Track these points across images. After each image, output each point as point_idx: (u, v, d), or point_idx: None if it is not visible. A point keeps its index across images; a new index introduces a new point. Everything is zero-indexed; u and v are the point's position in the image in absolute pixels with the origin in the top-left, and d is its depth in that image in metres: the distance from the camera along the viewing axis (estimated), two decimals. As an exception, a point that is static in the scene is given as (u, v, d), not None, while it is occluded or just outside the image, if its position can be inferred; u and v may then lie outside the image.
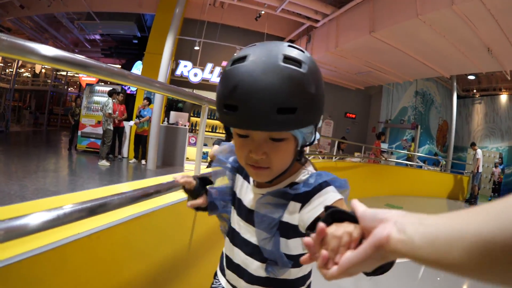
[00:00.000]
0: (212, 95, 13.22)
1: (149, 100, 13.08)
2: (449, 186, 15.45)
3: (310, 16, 13.93)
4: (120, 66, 25.09)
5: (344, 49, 13.49)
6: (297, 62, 1.06)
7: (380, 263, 0.69)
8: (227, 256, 1.52)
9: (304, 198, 1.18)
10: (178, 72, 16.02)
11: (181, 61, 16.28)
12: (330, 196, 1.14)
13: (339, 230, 0.76)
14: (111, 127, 11.99)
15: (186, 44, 16.23)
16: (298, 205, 1.20)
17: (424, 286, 5.28)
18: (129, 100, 14.45)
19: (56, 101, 32.53)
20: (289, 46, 1.12)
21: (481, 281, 0.55)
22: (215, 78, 16.42)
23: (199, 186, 1.52)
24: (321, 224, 0.76)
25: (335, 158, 11.63)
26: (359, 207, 0.77)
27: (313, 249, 0.77)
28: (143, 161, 13.26)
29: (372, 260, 0.68)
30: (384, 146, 17.91)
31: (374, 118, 21.50)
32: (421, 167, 17.07)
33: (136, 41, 23.34)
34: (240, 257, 1.41)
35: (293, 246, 1.27)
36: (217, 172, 1.59)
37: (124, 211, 1.84)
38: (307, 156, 1.45)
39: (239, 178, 1.49)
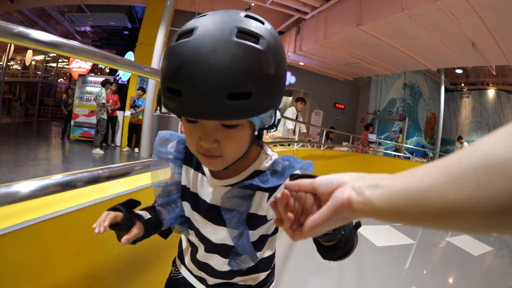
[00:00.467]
0: None
1: (143, 90, 13.45)
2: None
3: (299, 8, 14.28)
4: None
5: (333, 41, 13.87)
6: (253, 36, 0.94)
7: (342, 223, 0.77)
8: (190, 249, 1.47)
9: (272, 188, 1.15)
10: None
11: None
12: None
13: (301, 193, 0.81)
14: (104, 116, 12.38)
15: (173, 33, 16.21)
16: (266, 194, 1.17)
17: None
18: (121, 90, 14.90)
19: (46, 92, 33.11)
20: (246, 16, 0.99)
21: (436, 229, 0.63)
22: None
23: (127, 215, 1.24)
24: (285, 190, 0.80)
25: (323, 146, 11.84)
26: (320, 176, 0.82)
27: (278, 212, 0.83)
28: (136, 149, 13.71)
29: (334, 221, 0.76)
30: (373, 137, 18.26)
31: (363, 109, 21.98)
32: (408, 158, 17.33)
33: (127, 32, 23.69)
34: (200, 253, 1.38)
35: (257, 233, 1.24)
36: (156, 163, 1.39)
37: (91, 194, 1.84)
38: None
39: (188, 170, 1.36)
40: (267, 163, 1.22)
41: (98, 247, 1.81)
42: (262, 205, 1.17)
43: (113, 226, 1.17)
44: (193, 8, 16.41)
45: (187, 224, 1.36)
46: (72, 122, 15.50)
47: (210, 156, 1.06)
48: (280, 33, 17.86)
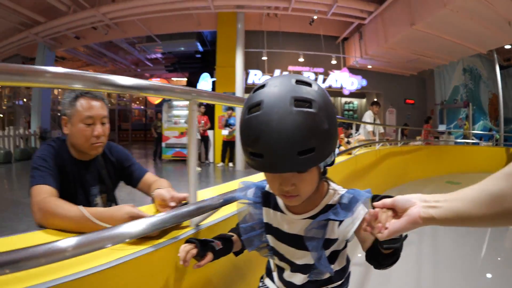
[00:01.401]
0: None
1: (232, 109, 14.85)
2: (502, 160, 15.13)
3: (357, 15, 15.71)
4: (186, 80, 28.24)
5: (392, 42, 15.29)
6: (307, 102, 1.23)
7: (413, 229, 1.16)
8: (275, 270, 1.80)
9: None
10: (249, 81, 17.77)
11: (250, 70, 18.25)
12: (360, 215, 1.47)
13: (384, 209, 1.23)
14: (198, 136, 13.57)
15: (252, 54, 18.05)
16: (336, 223, 1.50)
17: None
18: (208, 110, 16.30)
19: (122, 117, 35.32)
20: (297, 82, 1.28)
21: (490, 226, 1.08)
22: None
23: (201, 249, 1.62)
24: (373, 210, 1.23)
25: (400, 143, 13.14)
26: (395, 196, 1.23)
27: (370, 224, 1.23)
28: (230, 164, 15.19)
29: (409, 228, 1.17)
30: (442, 127, 19.49)
31: (431, 101, 22.66)
32: (478, 143, 17.55)
33: (199, 55, 24.74)
34: (286, 273, 1.70)
35: (329, 251, 1.58)
36: (241, 212, 1.77)
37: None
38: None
39: (269, 210, 1.69)
40: (335, 197, 1.53)
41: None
42: (334, 231, 1.50)
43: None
44: (261, 27, 18.02)
45: (272, 251, 1.70)
46: (163, 144, 17.08)
47: (290, 196, 1.39)
48: (345, 39, 19.67)
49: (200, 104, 14.14)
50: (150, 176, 2.84)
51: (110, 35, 20.10)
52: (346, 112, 23.23)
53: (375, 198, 1.28)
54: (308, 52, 18.30)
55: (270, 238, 1.70)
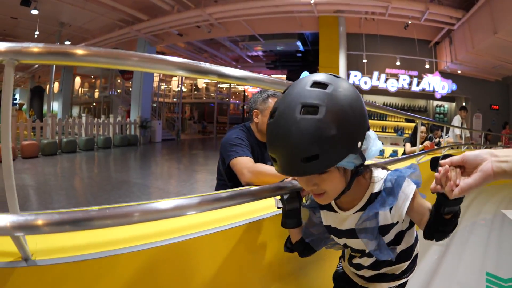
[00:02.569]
0: (382, 99, 21.30)
1: None
2: None
3: (447, 21, 17.95)
4: (285, 77, 30.33)
5: (478, 48, 17.07)
6: (314, 107, 1.32)
7: (485, 184, 1.23)
8: (347, 254, 2.09)
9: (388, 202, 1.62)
10: (350, 82, 19.76)
11: (351, 71, 20.13)
12: (407, 193, 1.59)
13: (452, 167, 1.28)
14: None
15: (352, 56, 20.26)
16: (387, 209, 1.62)
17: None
18: None
19: (218, 111, 37.91)
20: (313, 85, 1.40)
21: None
22: (382, 84, 20.56)
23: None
24: (444, 167, 1.28)
25: (483, 147, 14.52)
26: (464, 153, 1.28)
27: (439, 181, 1.29)
28: None
29: (482, 184, 1.23)
30: None
31: None
32: None
33: (299, 55, 26.95)
34: (356, 259, 1.97)
35: (393, 234, 1.74)
36: (306, 224, 2.02)
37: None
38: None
39: (324, 213, 1.89)
40: (379, 184, 1.67)
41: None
42: (387, 217, 1.65)
43: (289, 207, 1.94)
44: (360, 30, 20.49)
45: (336, 245, 2.02)
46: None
47: (317, 194, 1.56)
48: (436, 43, 21.59)
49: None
50: None
51: (213, 33, 22.54)
52: (437, 115, 24.04)
53: (443, 157, 1.34)
54: (404, 56, 20.54)
55: (334, 237, 1.93)
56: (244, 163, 3.19)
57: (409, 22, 18.78)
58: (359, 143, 1.46)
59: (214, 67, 1.96)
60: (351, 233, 1.74)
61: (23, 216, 1.28)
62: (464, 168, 1.29)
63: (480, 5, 15.24)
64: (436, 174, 1.30)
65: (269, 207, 2.32)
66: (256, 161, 3.43)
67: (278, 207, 2.03)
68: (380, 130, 21.94)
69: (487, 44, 16.38)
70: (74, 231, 1.39)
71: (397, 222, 1.69)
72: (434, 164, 1.36)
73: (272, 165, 2.87)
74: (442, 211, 1.42)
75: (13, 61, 1.35)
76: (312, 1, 16.99)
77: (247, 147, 3.46)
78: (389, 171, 1.72)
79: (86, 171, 14.27)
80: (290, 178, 2.06)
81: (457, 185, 1.26)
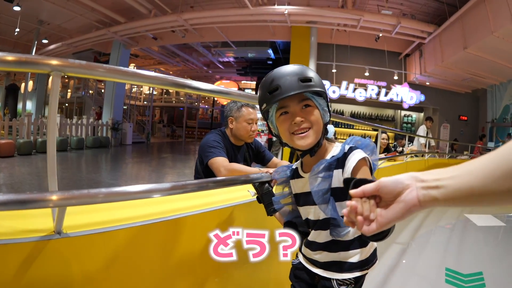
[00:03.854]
0: (350, 108, 22.35)
1: None
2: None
3: (418, 35, 18.44)
4: (255, 83, 31.68)
5: (448, 62, 17.65)
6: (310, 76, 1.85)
7: (409, 216, 1.06)
8: (303, 241, 2.18)
9: (342, 164, 1.84)
10: None
11: None
12: (356, 156, 1.78)
13: (364, 198, 1.13)
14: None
15: (321, 66, 20.67)
16: (340, 170, 1.83)
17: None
18: None
19: (187, 115, 38.26)
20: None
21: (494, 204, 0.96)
22: (350, 94, 21.10)
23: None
24: (351, 202, 1.12)
25: (447, 156, 15.47)
26: (380, 180, 1.12)
27: (350, 218, 1.13)
28: None
29: (405, 217, 1.06)
30: (491, 144, 21.37)
31: (483, 119, 24.23)
32: None
33: (270, 62, 27.45)
34: (311, 234, 2.08)
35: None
36: (281, 181, 2.26)
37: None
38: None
39: (294, 182, 2.18)
40: (337, 149, 1.97)
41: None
42: (340, 179, 1.83)
43: (264, 194, 2.38)
44: (331, 41, 21.06)
45: (301, 220, 2.17)
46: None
47: (303, 133, 1.84)
48: (406, 55, 22.25)
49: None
50: (275, 159, 4.59)
51: (187, 38, 22.78)
52: (404, 125, 25.00)
53: (354, 182, 1.21)
54: (373, 67, 21.23)
55: (299, 209, 2.17)
56: (220, 162, 3.69)
57: (380, 35, 19.23)
58: (327, 98, 1.93)
59: (188, 81, 2.36)
60: (308, 196, 1.95)
61: (63, 192, 1.60)
62: (381, 198, 1.12)
63: (453, 20, 15.93)
64: (344, 210, 1.16)
65: (240, 197, 2.91)
66: (230, 161, 3.93)
67: (254, 196, 2.50)
68: (347, 137, 22.08)
69: (457, 58, 17.01)
70: (96, 204, 1.83)
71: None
72: (347, 186, 1.23)
73: (247, 164, 4.23)
74: (365, 238, 1.47)
75: (60, 73, 1.70)
76: (286, 12, 17.31)
77: (223, 149, 3.95)
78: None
79: (62, 171, 14.15)
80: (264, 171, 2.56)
81: (371, 220, 1.10)
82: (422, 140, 13.23)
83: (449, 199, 0.98)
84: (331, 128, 2.45)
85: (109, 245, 1.96)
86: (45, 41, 25.46)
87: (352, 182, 1.21)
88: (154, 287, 2.22)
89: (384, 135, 9.35)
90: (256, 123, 4.20)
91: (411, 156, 10.86)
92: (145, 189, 1.93)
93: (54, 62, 1.67)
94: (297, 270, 2.24)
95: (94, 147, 22.14)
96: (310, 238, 2.09)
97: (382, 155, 8.62)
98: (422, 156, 12.37)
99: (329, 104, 1.96)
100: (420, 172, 1.07)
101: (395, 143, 10.70)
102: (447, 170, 1.03)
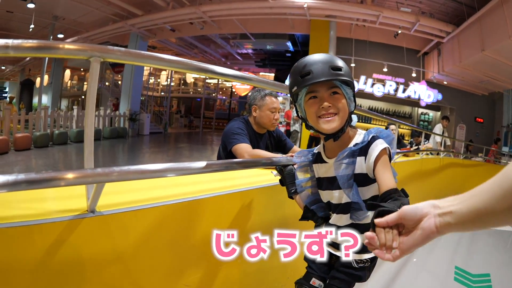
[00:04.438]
0: (368, 102, 22.14)
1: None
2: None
3: (436, 34, 18.49)
4: (273, 75, 31.67)
5: (466, 63, 17.60)
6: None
7: (429, 241, 1.14)
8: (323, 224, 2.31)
9: (365, 152, 1.97)
10: None
11: None
12: (378, 146, 1.92)
13: (387, 228, 1.22)
14: (298, 129, 15.84)
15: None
16: (363, 158, 1.97)
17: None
18: None
19: (205, 106, 38.45)
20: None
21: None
22: (368, 89, 21.08)
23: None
24: (370, 234, 1.23)
25: (462, 156, 15.54)
26: (401, 209, 1.20)
27: (374, 245, 1.22)
28: None
29: (425, 243, 1.15)
30: (505, 149, 21.64)
31: (498, 123, 24.32)
32: None
33: (289, 54, 27.53)
34: (333, 218, 2.23)
35: (367, 193, 2.04)
36: (303, 164, 2.41)
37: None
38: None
39: (316, 166, 2.32)
40: (360, 137, 2.09)
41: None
42: (362, 166, 1.98)
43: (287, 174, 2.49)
44: (351, 35, 20.97)
45: (323, 209, 2.33)
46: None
47: (329, 115, 1.96)
48: (425, 53, 22.22)
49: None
50: (296, 147, 4.72)
51: (206, 30, 22.77)
52: (421, 123, 24.74)
53: (379, 212, 1.29)
54: (391, 63, 21.07)
55: (321, 193, 2.30)
56: (244, 148, 3.84)
57: (399, 32, 19.14)
58: (354, 88, 2.06)
59: (211, 66, 2.47)
60: (333, 182, 2.10)
61: (103, 169, 1.73)
62: (404, 226, 1.21)
63: (471, 22, 15.76)
64: (366, 241, 1.26)
65: (261, 181, 3.10)
66: (253, 148, 4.01)
67: (276, 176, 2.62)
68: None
69: (475, 60, 16.84)
70: (133, 180, 2.02)
71: (371, 180, 1.97)
72: (372, 207, 1.39)
73: (268, 150, 4.33)
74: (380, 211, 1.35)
75: (99, 59, 1.79)
76: (305, 5, 17.31)
77: (246, 136, 4.07)
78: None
79: (80, 162, 14.02)
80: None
81: (394, 248, 1.19)
82: (438, 139, 13.13)
83: (460, 223, 1.06)
84: (354, 118, 2.40)
85: (139, 223, 2.10)
86: (60, 36, 25.32)
87: (376, 211, 1.29)
88: (177, 264, 2.39)
89: (393, 127, 9.62)
90: (278, 112, 4.30)
91: (427, 154, 10.85)
92: (177, 167, 2.13)
93: (94, 47, 1.77)
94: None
95: (111, 138, 22.12)
96: (331, 221, 2.21)
97: (398, 150, 8.48)
98: (438, 154, 12.29)
99: (355, 94, 2.08)
100: (438, 200, 1.14)
101: (411, 139, 10.71)
102: (461, 195, 1.08)
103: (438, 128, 13.67)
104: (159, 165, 2.01)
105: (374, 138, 1.98)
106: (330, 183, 2.15)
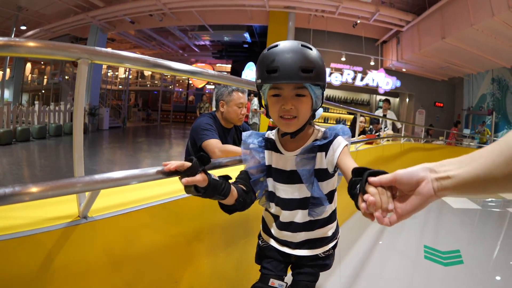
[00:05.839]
0: (327, 91, 18.58)
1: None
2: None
3: (396, 23, 18.80)
4: (230, 66, 31.58)
5: (425, 51, 18.07)
6: (309, 48, 1.82)
7: (426, 206, 1.14)
8: (273, 220, 2.23)
9: (326, 148, 1.95)
10: None
11: None
12: (341, 142, 1.91)
13: (381, 189, 1.17)
14: (257, 121, 15.33)
15: None
16: (323, 153, 1.96)
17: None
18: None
19: (163, 99, 38.52)
20: (301, 45, 1.83)
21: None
22: (326, 78, 20.48)
23: (194, 165, 1.64)
24: (370, 197, 1.13)
25: (423, 141, 16.00)
26: (396, 172, 1.16)
27: (369, 211, 1.15)
28: None
29: (423, 208, 1.13)
30: (467, 131, 22.10)
31: (459, 106, 25.02)
32: None
33: (246, 46, 27.52)
34: (285, 215, 2.12)
35: (326, 187, 2.04)
36: (246, 158, 2.21)
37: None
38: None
39: (270, 153, 2.15)
40: (319, 134, 2.06)
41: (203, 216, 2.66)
42: (322, 161, 1.97)
43: (179, 172, 1.67)
44: (309, 26, 21.29)
45: (269, 198, 2.19)
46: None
47: (289, 119, 1.86)
48: (383, 42, 22.73)
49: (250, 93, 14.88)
50: None
51: (165, 22, 22.77)
52: (379, 109, 23.71)
53: (369, 173, 1.24)
54: (350, 52, 21.24)
55: (269, 182, 2.18)
56: (214, 144, 3.87)
57: (358, 22, 19.51)
58: (324, 86, 1.95)
59: (170, 63, 2.37)
60: (291, 176, 2.03)
61: (100, 175, 1.70)
62: (396, 190, 1.18)
63: (432, 11, 16.29)
64: (363, 205, 1.16)
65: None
66: (222, 143, 4.06)
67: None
68: (323, 121, 23.11)
69: (435, 47, 17.43)
70: (127, 185, 1.87)
71: (330, 175, 2.00)
72: (358, 175, 1.32)
73: (235, 145, 4.30)
74: (359, 190, 1.27)
75: (87, 60, 1.77)
76: (265, -4, 17.25)
77: (215, 131, 4.11)
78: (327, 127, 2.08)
79: (44, 159, 14.28)
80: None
81: (390, 211, 1.14)
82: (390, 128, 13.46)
83: (458, 188, 1.05)
84: (319, 111, 2.33)
85: (132, 224, 2.11)
86: (23, 28, 24.97)
87: (366, 173, 1.23)
88: (169, 262, 2.41)
89: (362, 119, 9.67)
90: (244, 107, 4.36)
91: (387, 140, 11.15)
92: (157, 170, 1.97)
93: (83, 49, 1.76)
94: (268, 252, 2.31)
95: (72, 133, 21.18)
96: (284, 219, 2.14)
97: (359, 138, 8.62)
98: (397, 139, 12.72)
99: (324, 91, 1.99)
100: (432, 163, 1.14)
101: (371, 126, 10.88)
102: (456, 159, 1.10)
103: (379, 113, 13.48)
104: (147, 170, 1.91)
105: (335, 136, 1.96)
106: (286, 176, 2.07)
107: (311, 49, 1.82)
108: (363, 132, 9.80)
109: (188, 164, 1.63)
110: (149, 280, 2.23)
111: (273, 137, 2.18)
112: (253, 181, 2.11)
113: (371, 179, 1.19)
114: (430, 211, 8.26)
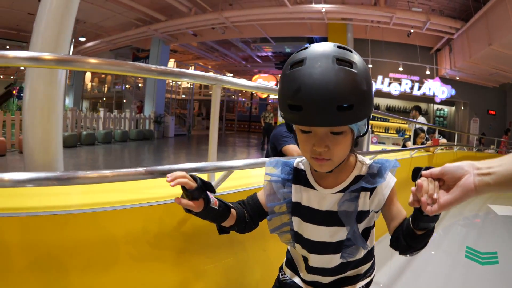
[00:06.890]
0: (386, 101, 23.56)
1: None
2: None
3: (446, 31, 19.31)
4: None
5: (475, 58, 18.29)
6: (348, 62, 1.32)
7: (466, 200, 1.17)
8: (301, 259, 1.84)
9: (371, 188, 1.61)
10: None
11: None
12: (389, 181, 1.63)
13: (431, 179, 1.23)
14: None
15: None
16: (368, 193, 1.62)
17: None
18: None
19: (226, 108, 38.82)
20: (338, 47, 1.38)
21: None
22: (386, 88, 22.07)
23: (199, 189, 1.52)
24: (419, 180, 1.22)
25: (475, 149, 16.38)
26: (445, 165, 1.22)
27: (416, 197, 1.22)
28: None
29: (462, 200, 1.16)
30: None
31: (510, 113, 24.50)
32: None
33: None
34: (316, 259, 1.74)
35: (362, 227, 1.68)
36: (272, 198, 1.75)
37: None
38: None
39: (298, 188, 1.73)
40: (364, 169, 1.66)
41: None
42: (366, 202, 1.63)
43: (183, 188, 1.49)
44: (367, 36, 21.94)
45: (295, 238, 1.76)
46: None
47: (322, 159, 1.46)
48: (437, 50, 22.84)
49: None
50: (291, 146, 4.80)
51: (227, 34, 23.84)
52: (437, 118, 25.47)
53: (422, 169, 1.28)
54: (406, 62, 21.91)
55: (295, 221, 1.75)
56: (294, 149, 4.20)
57: (412, 31, 20.06)
58: (370, 116, 1.50)
59: (225, 77, 2.62)
60: (327, 217, 1.67)
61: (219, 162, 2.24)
62: (444, 181, 1.23)
63: (477, 17, 16.52)
64: (413, 188, 1.25)
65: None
66: None
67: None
68: (383, 131, 23.47)
69: (483, 54, 17.52)
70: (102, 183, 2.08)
71: (368, 214, 1.67)
72: (415, 174, 1.32)
73: None
74: (416, 225, 1.38)
75: (220, 85, 2.30)
76: (323, 10, 18.36)
77: (293, 138, 4.33)
78: (374, 160, 1.72)
79: (115, 160, 15.46)
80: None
81: (434, 200, 1.19)
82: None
83: (498, 184, 1.12)
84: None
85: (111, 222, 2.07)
86: (82, 39, 26.35)
87: (424, 168, 1.29)
88: (159, 265, 2.28)
89: (422, 134, 10.37)
90: None
91: (441, 149, 11.55)
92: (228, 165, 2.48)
93: (217, 78, 2.32)
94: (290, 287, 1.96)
95: (137, 139, 22.79)
96: (316, 264, 1.77)
97: (415, 146, 9.36)
98: (451, 148, 13.15)
99: (370, 116, 1.53)
100: (476, 161, 1.21)
101: (427, 136, 11.52)
102: (498, 159, 1.17)
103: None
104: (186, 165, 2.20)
105: (383, 169, 1.64)
106: (321, 217, 1.70)
107: (351, 63, 1.35)
108: (422, 144, 10.42)
109: (193, 185, 1.50)
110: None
111: (303, 167, 1.81)
112: (271, 219, 1.79)
113: (424, 172, 1.26)
114: (476, 217, 8.92)
